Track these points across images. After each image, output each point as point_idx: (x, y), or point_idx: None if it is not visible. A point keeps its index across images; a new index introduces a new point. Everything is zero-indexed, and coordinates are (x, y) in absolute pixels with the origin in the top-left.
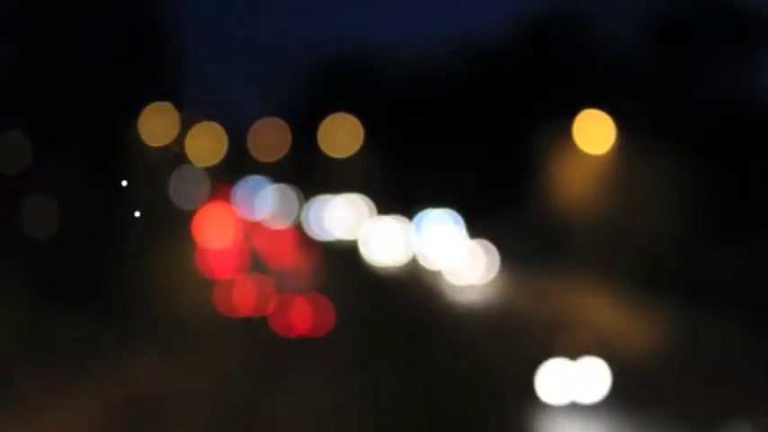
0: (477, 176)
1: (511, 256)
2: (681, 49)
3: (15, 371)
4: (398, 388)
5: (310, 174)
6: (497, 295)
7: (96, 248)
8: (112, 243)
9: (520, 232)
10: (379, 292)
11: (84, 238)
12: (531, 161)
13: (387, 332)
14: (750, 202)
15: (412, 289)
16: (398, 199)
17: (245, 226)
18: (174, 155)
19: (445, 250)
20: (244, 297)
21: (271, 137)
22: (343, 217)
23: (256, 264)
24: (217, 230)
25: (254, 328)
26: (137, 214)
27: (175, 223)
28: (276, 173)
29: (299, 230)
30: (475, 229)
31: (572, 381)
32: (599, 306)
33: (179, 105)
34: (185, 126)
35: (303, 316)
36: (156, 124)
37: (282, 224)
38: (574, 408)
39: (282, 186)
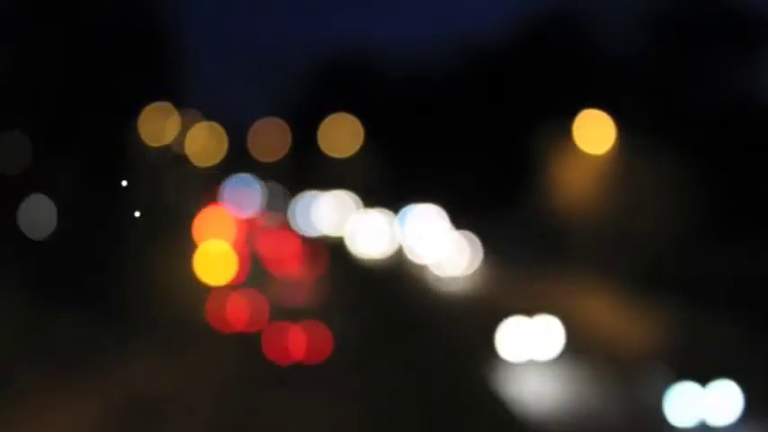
0: (477, 176)
1: (503, 253)
2: (681, 49)
3: (15, 371)
4: (382, 350)
5: (307, 172)
6: (477, 284)
7: (96, 248)
8: (112, 243)
9: (519, 231)
10: (364, 282)
11: (84, 238)
12: (531, 161)
13: (373, 315)
14: (750, 202)
15: (397, 280)
16: (390, 195)
17: (241, 226)
18: (174, 155)
19: (431, 244)
20: (237, 311)
21: (271, 137)
22: (330, 212)
23: (255, 269)
24: (216, 232)
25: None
26: (137, 214)
27: (175, 223)
28: (266, 171)
29: (287, 227)
30: (460, 224)
31: (529, 340)
32: (568, 292)
33: (179, 105)
34: (185, 126)
35: (298, 342)
36: (156, 124)
37: (271, 221)
38: (531, 364)
39: (271, 183)
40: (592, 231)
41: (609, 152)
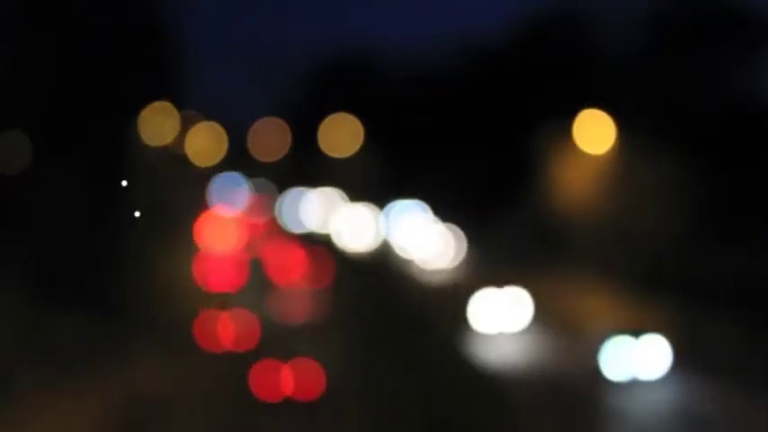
0: (477, 176)
1: (493, 249)
2: (681, 49)
3: (15, 371)
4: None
5: (307, 172)
6: (459, 274)
7: (96, 248)
8: (112, 243)
9: (519, 231)
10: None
11: (84, 238)
12: (531, 161)
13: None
14: (750, 202)
15: (383, 272)
16: (379, 191)
17: (242, 228)
18: (174, 155)
19: (416, 238)
20: (227, 330)
21: (271, 137)
22: (317, 209)
23: (255, 275)
24: (216, 236)
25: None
26: (137, 214)
27: (175, 223)
28: (256, 169)
29: (274, 223)
30: (445, 218)
31: (500, 312)
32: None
33: (179, 105)
34: (185, 126)
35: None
36: (156, 124)
37: (260, 218)
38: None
39: (258, 180)
40: (592, 231)
41: (609, 152)
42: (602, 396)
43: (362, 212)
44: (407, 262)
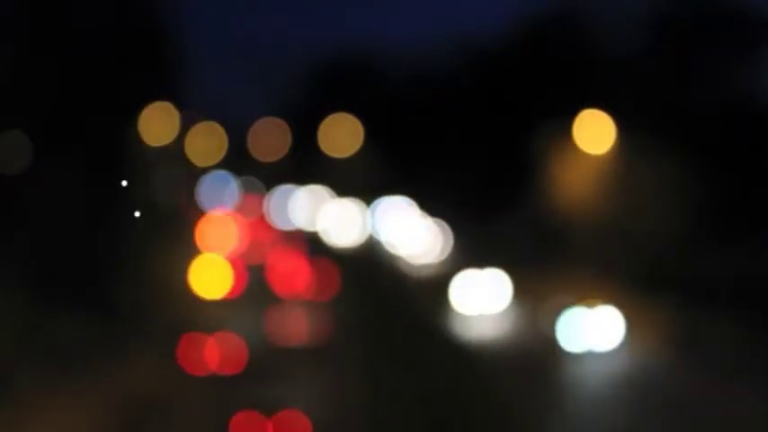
0: (476, 176)
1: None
2: (681, 49)
3: (15, 371)
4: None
5: (307, 171)
6: (444, 266)
7: (96, 248)
8: (112, 243)
9: (519, 231)
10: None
11: (84, 238)
12: (531, 161)
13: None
14: (750, 202)
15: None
16: (368, 188)
17: (243, 231)
18: (175, 155)
19: (405, 235)
20: (212, 353)
21: (271, 137)
22: (305, 206)
23: (255, 281)
24: (217, 240)
25: None
26: (137, 214)
27: (175, 223)
28: (242, 168)
29: (263, 221)
30: (432, 213)
31: (480, 294)
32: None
33: (179, 105)
34: (185, 126)
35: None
36: (157, 124)
37: (248, 216)
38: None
39: (246, 178)
40: (592, 231)
41: (609, 152)
42: (556, 366)
43: (349, 207)
44: (396, 258)
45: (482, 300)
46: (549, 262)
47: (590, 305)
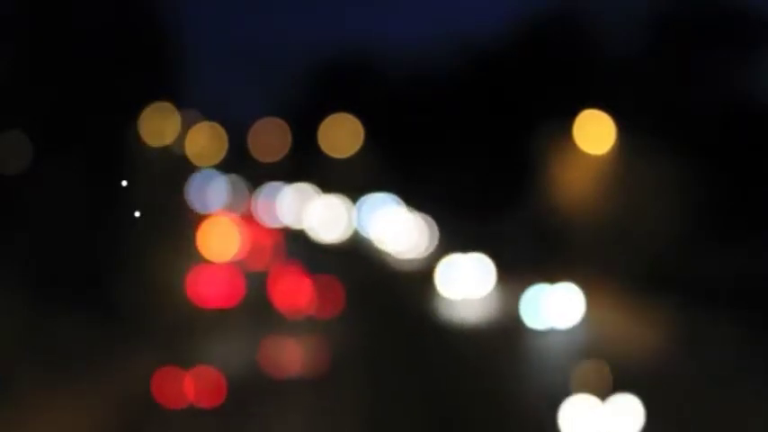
0: (476, 176)
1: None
2: (681, 49)
3: (15, 371)
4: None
5: (307, 172)
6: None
7: (96, 248)
8: (112, 243)
9: (519, 231)
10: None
11: (84, 238)
12: (531, 161)
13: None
14: (750, 202)
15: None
16: (353, 185)
17: (245, 236)
18: (175, 155)
19: (391, 231)
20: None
21: (271, 137)
22: (292, 203)
23: (254, 290)
24: (217, 242)
25: None
26: (137, 214)
27: (175, 223)
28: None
29: (251, 218)
30: (417, 208)
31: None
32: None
33: (179, 105)
34: (185, 126)
35: None
36: (157, 124)
37: (235, 213)
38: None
39: (233, 176)
40: (592, 231)
41: (609, 152)
42: (518, 342)
43: (334, 203)
44: (383, 252)
45: (466, 285)
46: (543, 255)
47: (551, 282)
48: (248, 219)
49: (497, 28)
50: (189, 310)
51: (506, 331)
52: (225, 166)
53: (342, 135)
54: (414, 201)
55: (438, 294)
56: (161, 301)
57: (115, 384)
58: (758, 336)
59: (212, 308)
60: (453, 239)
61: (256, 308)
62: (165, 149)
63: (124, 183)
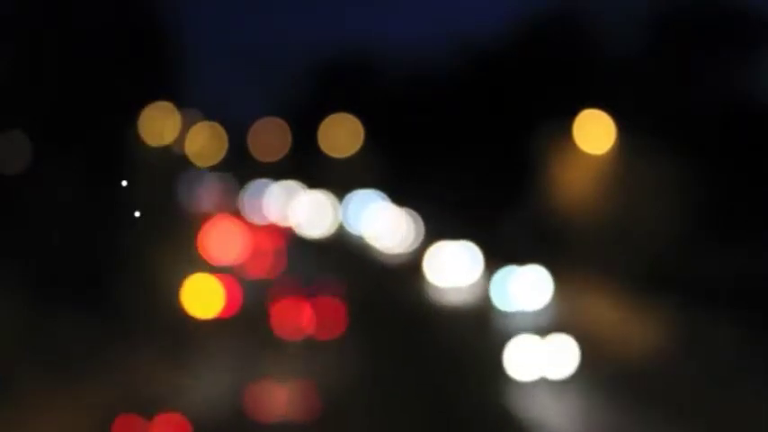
0: (476, 176)
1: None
2: (681, 49)
3: (15, 371)
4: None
5: (307, 172)
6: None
7: (96, 248)
8: (112, 243)
9: (519, 231)
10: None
11: (84, 237)
12: (531, 161)
13: None
14: (750, 203)
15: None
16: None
17: (246, 241)
18: (175, 155)
19: (375, 224)
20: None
21: (271, 137)
22: (279, 201)
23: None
24: (218, 245)
25: None
26: (137, 214)
27: (175, 224)
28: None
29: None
30: (402, 203)
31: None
32: None
33: (179, 105)
34: (186, 126)
35: None
36: (157, 124)
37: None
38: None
39: (220, 174)
40: (592, 231)
41: (609, 152)
42: (486, 321)
43: (320, 198)
44: (370, 247)
45: (454, 272)
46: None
47: (520, 264)
48: (250, 221)
49: (497, 28)
50: (180, 322)
51: (479, 312)
52: (223, 166)
53: (342, 135)
54: (403, 198)
55: (427, 282)
56: (160, 301)
57: (115, 385)
58: (758, 336)
59: (207, 319)
60: (441, 233)
61: (252, 325)
62: (165, 149)
63: (124, 183)
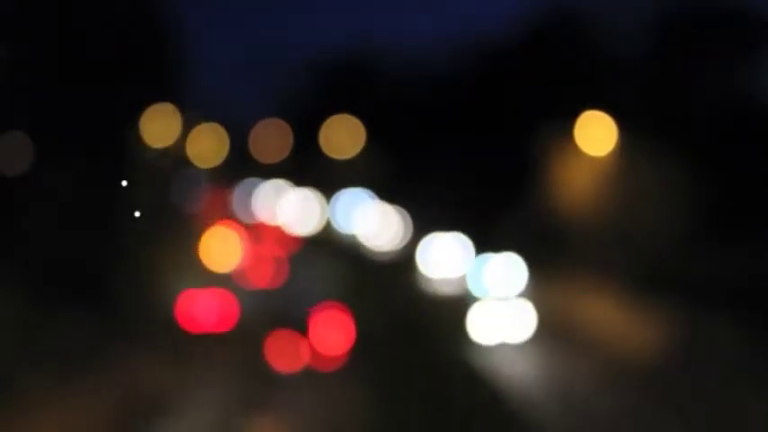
0: (477, 176)
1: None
2: (682, 50)
3: (15, 371)
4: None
5: (308, 173)
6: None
7: (96, 248)
8: (112, 243)
9: (519, 232)
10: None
11: (84, 238)
12: (532, 162)
13: None
14: (750, 203)
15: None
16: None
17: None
18: (176, 156)
19: (367, 224)
20: None
21: (272, 138)
22: (268, 200)
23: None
24: (218, 252)
25: None
26: (137, 214)
27: (175, 224)
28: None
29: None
30: (391, 200)
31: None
32: None
33: (180, 106)
34: (187, 127)
35: None
36: (158, 125)
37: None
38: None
39: (222, 175)
40: (593, 232)
41: (610, 153)
42: (461, 306)
43: (308, 196)
44: (360, 245)
45: (446, 264)
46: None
47: (495, 250)
48: (256, 226)
49: (498, 28)
50: (172, 335)
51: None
52: (225, 168)
53: (343, 136)
54: (391, 195)
55: (420, 274)
56: (160, 301)
57: (115, 384)
58: (758, 336)
59: (200, 332)
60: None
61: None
62: (166, 151)
63: (124, 183)
